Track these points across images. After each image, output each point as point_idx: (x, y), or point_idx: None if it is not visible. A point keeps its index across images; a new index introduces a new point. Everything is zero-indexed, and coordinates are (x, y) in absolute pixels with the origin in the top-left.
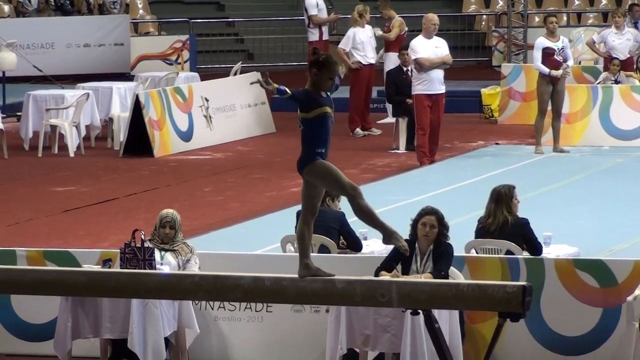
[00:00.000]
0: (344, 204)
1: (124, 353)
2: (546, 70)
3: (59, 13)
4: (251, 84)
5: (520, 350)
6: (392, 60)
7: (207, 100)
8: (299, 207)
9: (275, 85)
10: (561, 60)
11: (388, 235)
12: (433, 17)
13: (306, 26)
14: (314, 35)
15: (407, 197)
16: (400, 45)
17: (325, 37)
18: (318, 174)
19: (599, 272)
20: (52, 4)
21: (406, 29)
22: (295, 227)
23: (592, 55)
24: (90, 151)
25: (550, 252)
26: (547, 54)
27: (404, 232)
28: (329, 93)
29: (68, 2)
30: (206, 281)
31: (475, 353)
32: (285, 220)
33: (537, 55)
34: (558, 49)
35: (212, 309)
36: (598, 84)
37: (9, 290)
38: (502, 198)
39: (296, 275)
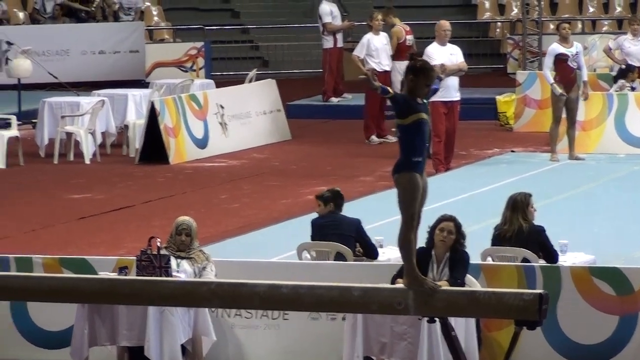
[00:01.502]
0: (354, 211)
1: None
2: (551, 79)
3: (74, 20)
4: (360, 77)
5: (536, 358)
6: (399, 69)
7: (222, 107)
8: (314, 215)
9: (379, 84)
10: (575, 67)
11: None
12: (444, 24)
13: (321, 33)
14: (328, 42)
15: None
16: (407, 53)
17: (340, 44)
18: (399, 185)
19: (615, 279)
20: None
21: (408, 37)
22: (311, 235)
23: (607, 63)
24: (105, 158)
25: (566, 259)
26: (561, 59)
27: (421, 239)
28: (425, 100)
29: (82, 12)
30: (222, 289)
31: None
32: (301, 228)
33: (548, 61)
34: (572, 54)
35: (229, 317)
36: (615, 91)
37: (25, 298)
38: (519, 205)
39: (313, 283)
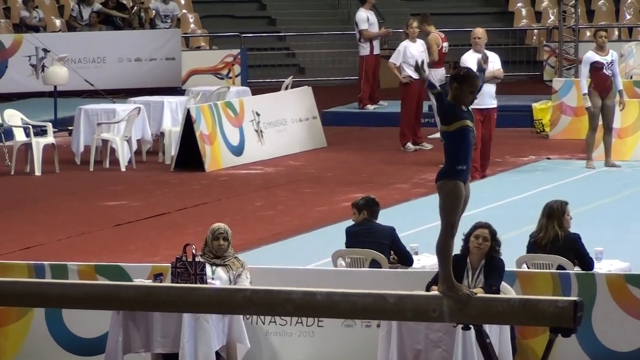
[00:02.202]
0: (390, 218)
1: None
2: (584, 90)
3: (110, 27)
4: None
5: None
6: (436, 77)
7: (258, 114)
8: (349, 222)
9: (426, 75)
10: (610, 75)
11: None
12: (476, 31)
13: (357, 40)
14: (365, 49)
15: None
16: (443, 60)
17: (377, 51)
18: (442, 192)
19: None
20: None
21: (444, 44)
22: (346, 242)
23: None
24: (141, 165)
25: (601, 267)
26: (596, 68)
27: (456, 247)
28: (470, 108)
29: (119, 19)
30: (257, 296)
31: None
32: (336, 235)
33: (585, 70)
34: (607, 62)
35: (263, 324)
36: None
37: (60, 305)
38: (554, 213)
39: (348, 290)
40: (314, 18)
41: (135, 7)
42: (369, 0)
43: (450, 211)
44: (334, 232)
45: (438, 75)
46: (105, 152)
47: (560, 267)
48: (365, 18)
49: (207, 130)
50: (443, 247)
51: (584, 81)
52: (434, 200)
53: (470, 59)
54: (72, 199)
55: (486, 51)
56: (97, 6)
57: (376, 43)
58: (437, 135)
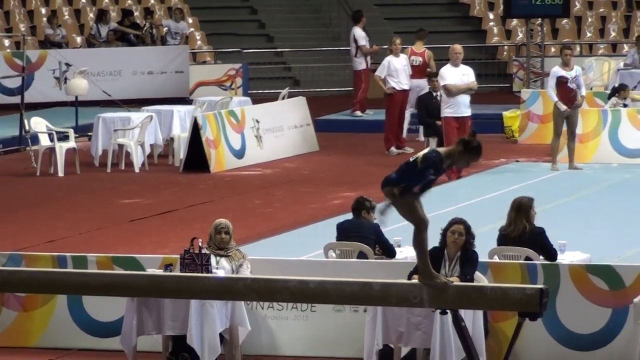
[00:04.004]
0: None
1: (184, 348)
2: (555, 98)
3: (125, 44)
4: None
5: (538, 345)
6: (417, 87)
7: (257, 121)
8: (339, 218)
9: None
10: (574, 88)
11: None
12: (457, 47)
13: (353, 56)
14: (361, 64)
15: (436, 209)
16: (420, 71)
17: (369, 65)
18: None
19: (608, 276)
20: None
21: (412, 57)
22: (336, 237)
23: (602, 82)
24: (153, 167)
25: (564, 258)
26: (561, 82)
27: (435, 240)
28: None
29: (133, 36)
30: (257, 284)
31: (497, 348)
32: (327, 230)
33: (552, 83)
34: (571, 77)
35: (262, 309)
36: (610, 107)
37: (81, 292)
38: (523, 208)
39: (338, 279)
40: (308, 36)
41: (147, 25)
42: (363, 20)
43: (411, 214)
44: (326, 227)
45: (418, 85)
46: (121, 155)
47: (527, 258)
48: (364, 35)
49: (212, 136)
50: (418, 241)
51: (551, 91)
52: None
53: (448, 72)
54: (91, 197)
55: (462, 65)
56: (114, 25)
57: (368, 58)
58: (423, 138)
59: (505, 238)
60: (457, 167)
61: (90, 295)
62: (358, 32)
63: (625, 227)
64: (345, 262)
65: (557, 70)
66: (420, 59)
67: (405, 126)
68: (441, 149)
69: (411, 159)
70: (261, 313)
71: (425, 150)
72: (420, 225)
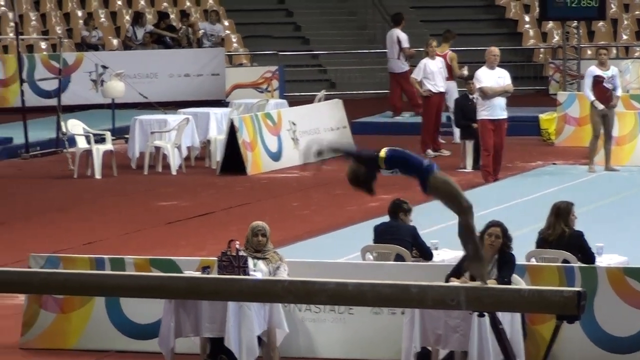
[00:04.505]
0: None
1: (221, 350)
2: (591, 97)
3: (162, 46)
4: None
5: (575, 348)
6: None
7: (294, 124)
8: (376, 220)
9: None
10: (610, 88)
11: None
12: (493, 50)
13: (394, 58)
14: (404, 66)
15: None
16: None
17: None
18: (435, 188)
19: None
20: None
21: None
22: (373, 239)
23: (639, 84)
24: (190, 170)
25: (602, 261)
26: (597, 81)
27: None
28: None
29: (169, 39)
30: (294, 286)
31: (535, 351)
32: (364, 232)
33: (588, 81)
34: (607, 77)
35: (300, 311)
36: None
37: (119, 294)
38: (561, 212)
39: (375, 281)
40: (344, 38)
41: (184, 28)
42: (403, 22)
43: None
44: (363, 229)
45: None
46: (158, 157)
47: (565, 261)
48: (407, 38)
49: (248, 138)
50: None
51: (588, 91)
52: None
53: (484, 75)
54: (128, 199)
55: (498, 67)
56: (150, 27)
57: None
58: (458, 141)
59: (544, 241)
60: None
61: (128, 298)
62: (402, 35)
63: None
64: (383, 264)
65: (593, 70)
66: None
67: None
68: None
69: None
70: (299, 315)
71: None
72: (463, 211)
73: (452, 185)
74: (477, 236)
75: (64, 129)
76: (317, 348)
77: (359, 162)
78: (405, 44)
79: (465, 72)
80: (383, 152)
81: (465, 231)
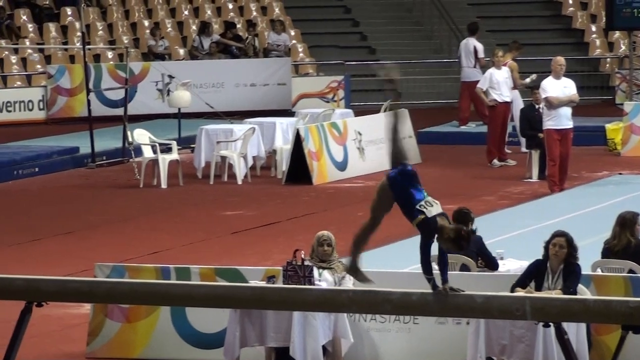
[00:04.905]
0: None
1: None
2: None
3: (228, 56)
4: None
5: None
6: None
7: (360, 134)
8: None
9: None
10: None
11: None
12: (560, 59)
13: (470, 67)
14: (480, 75)
15: (539, 221)
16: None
17: None
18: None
19: None
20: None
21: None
22: (438, 249)
23: None
24: (256, 179)
25: None
26: None
27: (538, 253)
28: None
29: (235, 48)
30: (359, 296)
31: None
32: None
33: None
34: None
35: (365, 321)
36: None
37: (184, 304)
38: (627, 223)
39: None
40: (410, 48)
41: (250, 38)
42: (478, 32)
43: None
44: None
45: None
46: (223, 167)
47: (630, 271)
48: (482, 47)
49: (314, 148)
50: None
51: None
52: (518, 211)
53: (550, 85)
54: (194, 209)
55: (564, 77)
56: (216, 37)
57: None
58: (525, 151)
59: (609, 251)
60: (442, 245)
61: (194, 307)
62: (478, 44)
63: None
64: (448, 274)
65: None
66: None
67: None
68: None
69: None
70: (364, 325)
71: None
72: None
73: None
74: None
75: (130, 139)
76: (382, 358)
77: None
78: (481, 54)
79: (527, 80)
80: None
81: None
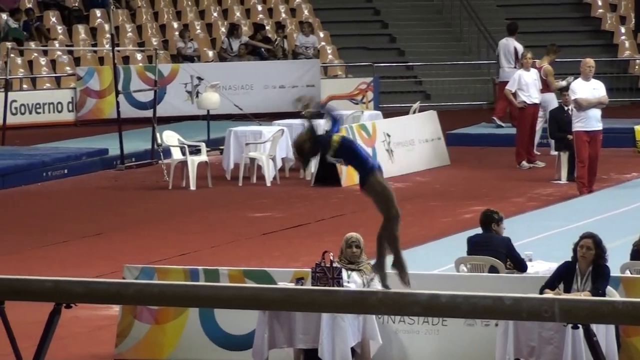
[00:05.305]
0: (506, 228)
1: None
2: None
3: (257, 58)
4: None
5: None
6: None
7: (388, 135)
8: (470, 232)
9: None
10: None
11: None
12: (589, 61)
13: (513, 67)
14: None
15: (568, 223)
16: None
17: None
18: (372, 192)
19: None
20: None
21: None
22: (467, 250)
23: None
24: (284, 181)
25: None
26: None
27: (566, 255)
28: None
29: (266, 49)
30: (388, 298)
31: None
32: (458, 244)
33: None
34: None
35: (394, 323)
36: None
37: (213, 305)
38: None
39: (469, 293)
40: (439, 49)
41: (279, 39)
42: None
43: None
44: (457, 241)
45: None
46: (252, 169)
47: None
48: (522, 48)
49: None
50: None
51: None
52: (546, 212)
53: (579, 86)
54: (223, 210)
55: (593, 79)
56: (245, 39)
57: None
58: (554, 152)
59: (638, 253)
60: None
61: (222, 309)
62: (518, 45)
63: None
64: (476, 276)
65: None
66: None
67: (536, 140)
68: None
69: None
70: (392, 327)
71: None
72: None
73: (388, 190)
74: (398, 244)
75: (159, 140)
76: (411, 359)
77: (312, 136)
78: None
79: (564, 83)
80: (337, 138)
81: (388, 237)
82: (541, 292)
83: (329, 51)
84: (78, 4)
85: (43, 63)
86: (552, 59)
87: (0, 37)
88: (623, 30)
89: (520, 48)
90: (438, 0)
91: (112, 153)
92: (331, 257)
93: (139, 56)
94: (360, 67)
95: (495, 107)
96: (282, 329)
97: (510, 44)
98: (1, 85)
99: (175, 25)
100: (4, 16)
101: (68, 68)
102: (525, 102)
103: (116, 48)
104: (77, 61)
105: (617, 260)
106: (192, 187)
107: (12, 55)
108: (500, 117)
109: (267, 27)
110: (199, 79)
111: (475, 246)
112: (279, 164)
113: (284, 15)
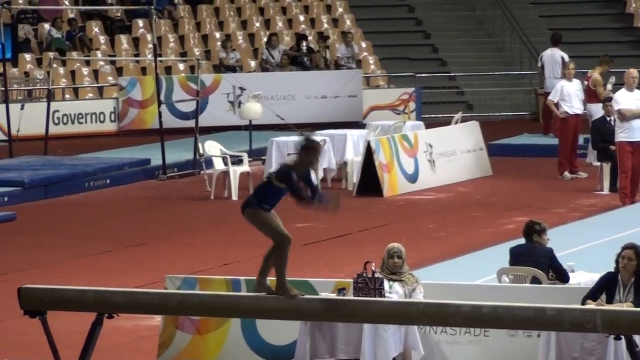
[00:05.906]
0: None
1: None
2: None
3: (299, 68)
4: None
5: None
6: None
7: (431, 146)
8: (513, 242)
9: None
10: None
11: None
12: (633, 72)
13: (558, 77)
14: None
15: (610, 234)
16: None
17: None
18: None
19: None
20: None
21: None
22: (509, 261)
23: None
24: (326, 191)
25: None
26: None
27: (609, 266)
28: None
29: (307, 59)
30: (430, 308)
31: None
32: (500, 254)
33: None
34: None
35: (435, 333)
36: None
37: (255, 315)
38: None
39: (511, 304)
40: (481, 60)
41: (321, 50)
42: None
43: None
44: (499, 251)
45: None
46: None
47: None
48: (568, 57)
49: (385, 160)
50: (281, 257)
51: None
52: (589, 223)
53: (622, 97)
54: None
55: (637, 89)
56: (283, 48)
57: None
58: (597, 163)
59: None
60: (306, 172)
61: (264, 319)
62: (565, 55)
63: None
64: (519, 287)
65: None
66: (585, 83)
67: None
68: (288, 160)
69: (265, 179)
70: (434, 337)
71: (274, 169)
72: (282, 241)
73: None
74: (284, 269)
75: (201, 151)
76: None
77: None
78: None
79: (609, 87)
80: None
81: (275, 261)
82: (583, 303)
83: (371, 61)
84: (120, 14)
85: (85, 73)
86: (605, 70)
87: (43, 47)
88: None
89: (566, 58)
90: (480, 10)
91: (154, 163)
92: (373, 268)
93: (181, 66)
94: (403, 78)
95: (543, 123)
96: (324, 340)
97: (556, 54)
98: (44, 95)
99: (218, 35)
100: (47, 26)
101: (110, 78)
102: (567, 112)
103: (158, 58)
104: (119, 71)
105: None
106: (234, 197)
107: (54, 65)
108: (547, 127)
109: (309, 37)
110: (241, 89)
111: (517, 257)
112: (321, 174)
113: (326, 25)
